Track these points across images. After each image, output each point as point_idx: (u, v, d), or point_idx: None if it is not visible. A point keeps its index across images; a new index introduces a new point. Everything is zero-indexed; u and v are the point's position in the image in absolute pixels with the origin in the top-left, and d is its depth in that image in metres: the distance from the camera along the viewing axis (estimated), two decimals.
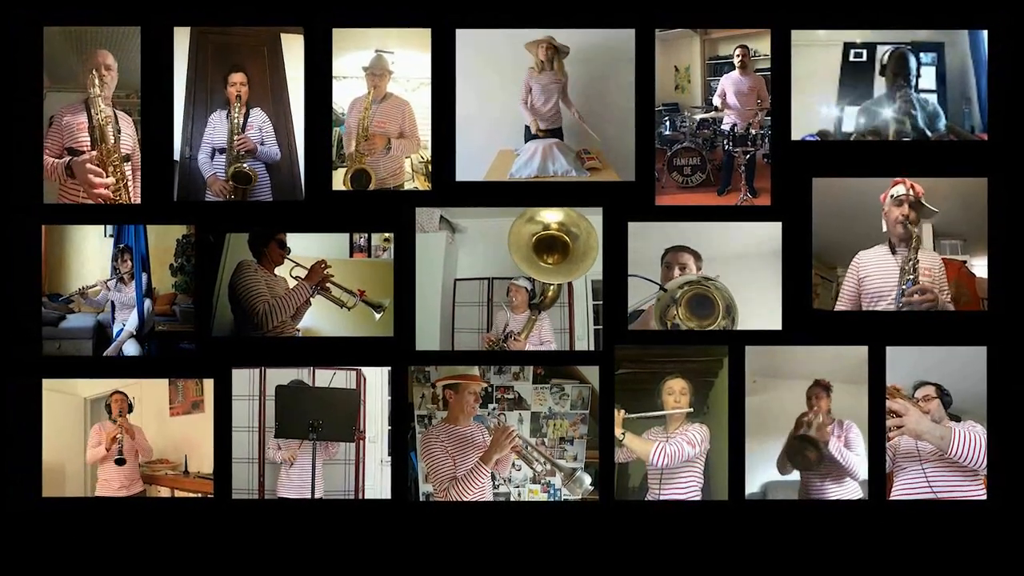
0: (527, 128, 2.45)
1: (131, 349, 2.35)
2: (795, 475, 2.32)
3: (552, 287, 2.46)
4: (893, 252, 2.34)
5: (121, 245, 2.34)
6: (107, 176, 2.30)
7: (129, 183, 2.33)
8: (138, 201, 2.33)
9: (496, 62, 2.38)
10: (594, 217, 2.33)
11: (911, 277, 2.29)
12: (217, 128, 2.39)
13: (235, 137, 2.37)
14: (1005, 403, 2.28)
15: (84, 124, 2.31)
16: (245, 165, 2.37)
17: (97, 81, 2.28)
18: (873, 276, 2.33)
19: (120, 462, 2.35)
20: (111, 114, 2.31)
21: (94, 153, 2.30)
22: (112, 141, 2.31)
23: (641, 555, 2.31)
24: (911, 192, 2.29)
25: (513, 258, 2.35)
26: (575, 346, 2.47)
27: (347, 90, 2.38)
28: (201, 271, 2.33)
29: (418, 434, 2.36)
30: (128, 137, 2.34)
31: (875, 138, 2.34)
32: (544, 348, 2.45)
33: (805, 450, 2.26)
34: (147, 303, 2.35)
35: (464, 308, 2.53)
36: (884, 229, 2.34)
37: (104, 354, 2.34)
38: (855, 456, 2.27)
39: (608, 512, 2.32)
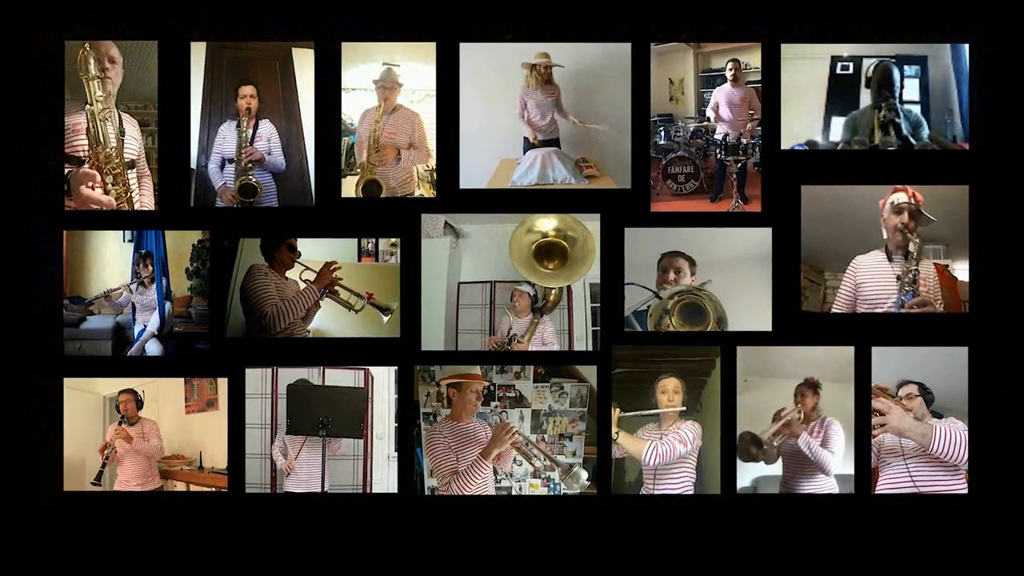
0: (526, 139, 2.52)
1: (153, 348, 2.43)
2: (777, 467, 2.39)
3: (554, 291, 2.53)
4: (890, 259, 2.39)
5: (143, 251, 2.42)
6: (107, 188, 2.33)
7: (134, 191, 2.38)
8: (150, 207, 2.41)
9: (498, 75, 2.44)
10: (592, 223, 2.40)
11: (911, 289, 2.35)
12: (227, 139, 2.46)
13: (243, 149, 2.44)
14: (985, 401, 2.35)
15: (82, 126, 2.35)
16: (252, 178, 2.44)
17: (95, 66, 2.29)
18: (870, 282, 2.39)
19: (96, 484, 2.41)
20: (111, 110, 2.34)
21: (90, 162, 2.32)
22: (115, 143, 2.34)
23: (637, 546, 2.38)
24: (912, 200, 2.34)
25: (515, 265, 2.42)
26: (574, 346, 2.54)
27: (355, 102, 2.45)
28: (216, 274, 2.40)
29: (423, 431, 2.43)
30: (133, 140, 2.38)
31: (861, 147, 2.42)
32: (548, 348, 2.52)
33: (748, 447, 2.35)
34: (167, 305, 2.43)
35: (467, 310, 2.58)
36: (884, 236, 2.39)
37: (128, 353, 2.41)
38: (827, 453, 2.34)
39: (605, 505, 2.38)
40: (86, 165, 2.34)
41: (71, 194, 2.33)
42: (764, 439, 2.35)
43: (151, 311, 2.43)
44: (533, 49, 2.44)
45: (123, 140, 2.36)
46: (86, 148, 2.34)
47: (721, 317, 2.37)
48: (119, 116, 2.37)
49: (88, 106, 2.30)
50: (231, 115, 2.46)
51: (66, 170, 2.35)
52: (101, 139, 2.32)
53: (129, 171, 2.37)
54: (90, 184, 2.32)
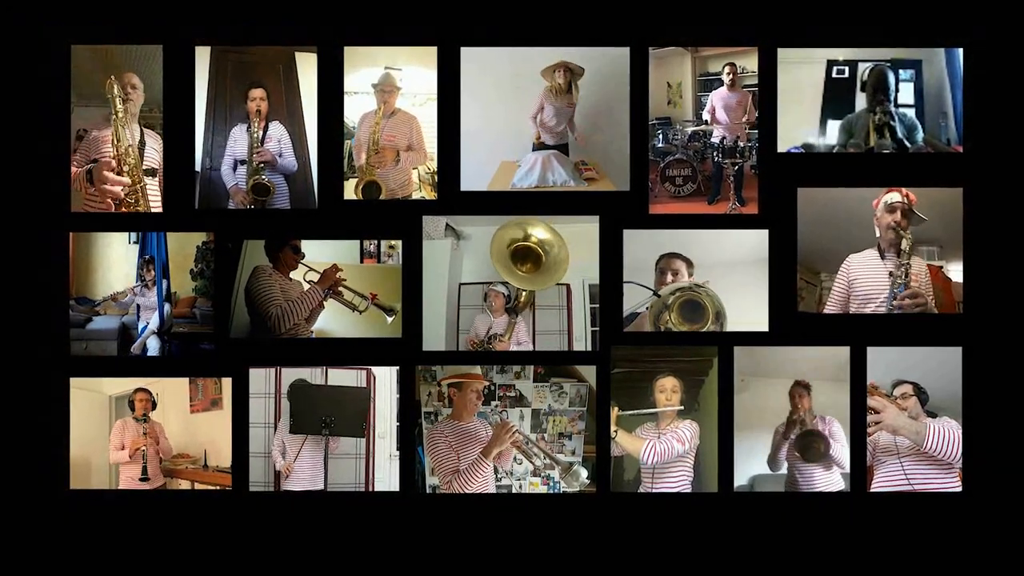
0: (533, 143, 2.56)
1: (153, 345, 2.46)
2: (783, 470, 2.42)
3: (524, 293, 2.57)
4: (882, 257, 2.42)
5: (146, 256, 2.46)
6: (123, 176, 2.40)
7: (148, 189, 2.43)
8: (158, 210, 2.44)
9: (499, 78, 2.47)
10: (591, 225, 2.42)
11: (903, 282, 2.39)
12: (238, 141, 2.49)
13: (254, 150, 2.48)
14: (979, 400, 2.37)
15: (109, 137, 2.42)
16: (264, 177, 2.48)
17: (118, 89, 2.39)
18: (863, 279, 2.42)
19: (144, 479, 2.45)
20: (135, 125, 2.42)
21: (111, 157, 2.41)
22: (130, 141, 2.40)
23: (635, 544, 2.40)
24: (905, 200, 2.38)
25: (492, 261, 2.45)
26: (573, 347, 2.57)
27: (358, 105, 2.48)
28: (220, 276, 2.43)
29: (425, 430, 2.46)
30: (154, 152, 2.44)
31: (856, 150, 2.45)
32: (522, 348, 2.56)
33: (815, 443, 2.37)
34: (167, 307, 2.46)
35: (468, 311, 2.62)
36: (877, 234, 2.42)
37: (131, 350, 2.45)
38: (841, 447, 2.38)
39: (604, 503, 2.41)
40: (108, 157, 2.42)
41: (93, 181, 2.40)
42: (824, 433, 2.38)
43: (154, 311, 2.47)
44: (533, 54, 2.47)
45: (143, 149, 2.43)
46: (111, 152, 2.42)
47: (720, 312, 2.39)
48: (141, 130, 2.44)
49: (112, 117, 2.40)
50: (239, 118, 2.50)
51: (88, 166, 2.40)
52: (120, 139, 2.41)
53: (150, 178, 2.43)
54: (111, 169, 2.40)
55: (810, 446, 2.38)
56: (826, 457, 2.38)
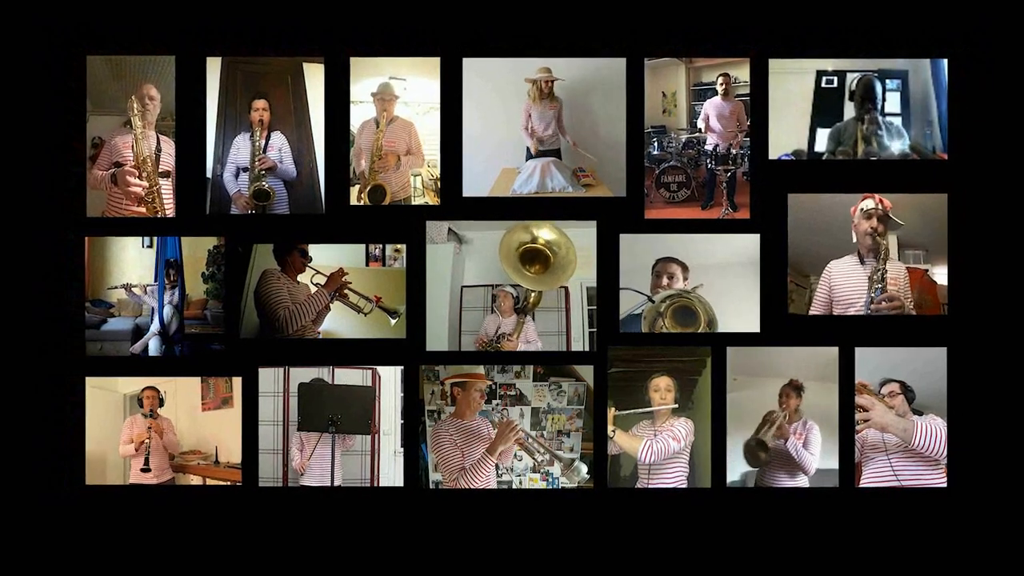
0: (528, 149, 2.62)
1: (153, 346, 2.53)
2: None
3: (534, 294, 2.62)
4: (862, 262, 2.49)
5: (168, 258, 2.53)
6: (142, 180, 2.51)
7: (163, 191, 2.52)
8: (172, 213, 2.52)
9: (499, 88, 2.54)
10: (588, 230, 2.50)
11: (879, 286, 2.46)
12: (241, 149, 2.56)
13: (257, 157, 2.56)
14: (964, 399, 2.43)
15: (129, 143, 2.51)
16: (265, 183, 2.55)
17: (138, 106, 2.49)
18: (843, 284, 2.49)
19: (146, 470, 2.52)
20: (152, 135, 2.52)
21: (132, 163, 2.51)
22: (147, 153, 2.50)
23: (632, 538, 2.46)
24: (880, 206, 2.44)
25: (502, 265, 2.51)
26: (571, 347, 2.62)
27: (363, 114, 2.55)
28: (230, 278, 2.50)
29: (428, 428, 2.52)
30: (169, 156, 2.53)
31: (845, 157, 2.52)
32: (531, 347, 2.60)
33: (758, 451, 2.44)
34: (167, 308, 2.53)
35: (470, 312, 2.66)
36: (855, 240, 2.48)
37: (129, 350, 2.51)
38: (808, 455, 2.43)
39: (601, 499, 2.47)
40: (129, 166, 2.52)
41: (116, 183, 2.52)
42: (768, 443, 2.43)
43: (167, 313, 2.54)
44: (533, 64, 2.54)
45: (159, 155, 2.53)
46: (131, 158, 2.52)
47: (712, 319, 2.46)
48: (158, 137, 2.54)
49: (132, 130, 2.51)
50: (245, 127, 2.57)
51: (112, 170, 2.51)
52: (140, 151, 2.52)
53: (164, 179, 2.53)
54: (132, 176, 2.51)
55: (752, 453, 2.44)
56: (766, 466, 2.44)
